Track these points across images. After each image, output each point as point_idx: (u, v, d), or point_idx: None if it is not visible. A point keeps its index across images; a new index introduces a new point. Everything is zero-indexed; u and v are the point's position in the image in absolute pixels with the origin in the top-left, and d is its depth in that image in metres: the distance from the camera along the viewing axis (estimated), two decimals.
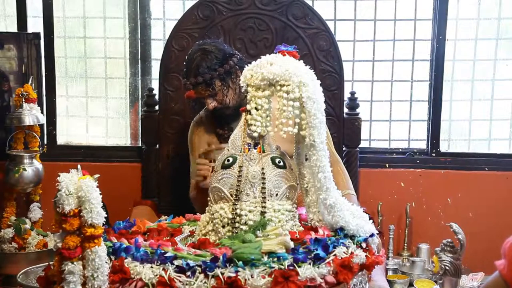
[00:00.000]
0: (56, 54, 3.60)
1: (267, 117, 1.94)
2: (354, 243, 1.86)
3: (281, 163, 2.01)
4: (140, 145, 3.60)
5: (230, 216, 1.94)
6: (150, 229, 2.15)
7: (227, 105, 2.67)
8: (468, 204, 3.48)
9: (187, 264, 1.68)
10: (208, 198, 2.03)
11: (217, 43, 2.72)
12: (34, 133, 3.21)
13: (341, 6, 3.54)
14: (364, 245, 1.87)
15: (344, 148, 3.30)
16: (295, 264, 1.69)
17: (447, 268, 2.62)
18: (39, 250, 3.09)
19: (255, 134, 1.97)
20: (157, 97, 3.32)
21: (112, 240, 1.90)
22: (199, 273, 1.66)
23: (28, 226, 3.13)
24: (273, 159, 2.00)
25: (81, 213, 1.63)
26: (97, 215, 1.63)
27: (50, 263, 1.77)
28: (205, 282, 1.64)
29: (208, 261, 1.68)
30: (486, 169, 3.49)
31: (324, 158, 1.89)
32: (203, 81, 2.63)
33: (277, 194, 1.97)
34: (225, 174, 1.99)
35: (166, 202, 3.31)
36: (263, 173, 1.96)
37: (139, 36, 3.62)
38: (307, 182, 1.99)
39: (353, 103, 3.33)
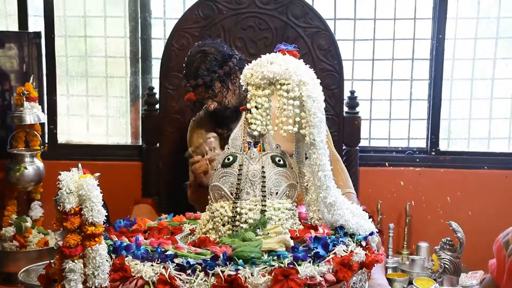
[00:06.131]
0: (57, 53, 3.60)
1: (267, 115, 1.95)
2: (354, 242, 1.87)
3: (281, 162, 2.01)
4: (140, 143, 3.60)
5: (230, 214, 1.94)
6: (150, 227, 2.15)
7: (227, 106, 2.68)
8: (468, 203, 3.48)
9: (188, 262, 1.68)
10: (209, 197, 2.04)
11: (216, 44, 2.73)
12: (35, 132, 3.22)
13: (341, 5, 3.54)
14: (363, 243, 1.88)
15: (344, 147, 3.31)
16: (295, 263, 1.70)
17: (446, 266, 2.64)
18: (40, 248, 3.10)
19: (255, 133, 1.98)
20: (157, 96, 3.33)
21: (113, 238, 1.91)
22: (200, 271, 1.67)
23: (29, 224, 3.14)
24: (273, 158, 2.01)
25: (82, 212, 1.63)
26: (97, 213, 1.64)
27: (51, 261, 1.77)
28: (205, 280, 1.65)
29: (209, 259, 1.69)
30: (486, 167, 3.50)
31: (324, 157, 1.90)
32: (203, 84, 2.64)
33: (277, 193, 1.98)
34: (225, 173, 2.00)
35: (166, 200, 3.32)
36: (263, 172, 1.97)
37: (139, 35, 3.62)
38: (307, 180, 2.00)
39: (353, 102, 3.34)
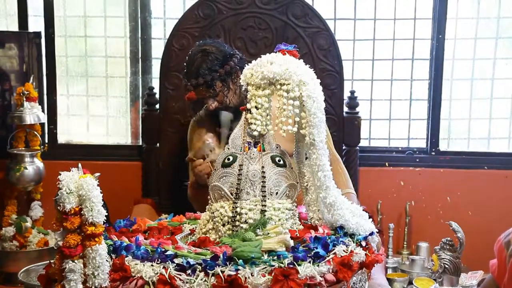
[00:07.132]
0: (57, 53, 3.60)
1: (267, 116, 1.95)
2: (353, 242, 1.86)
3: (281, 162, 2.01)
4: (140, 143, 3.61)
5: (231, 214, 1.94)
6: (150, 227, 2.15)
7: (228, 106, 2.68)
8: (468, 203, 3.48)
9: (188, 263, 1.68)
10: (209, 197, 2.04)
11: (217, 44, 2.73)
12: (35, 132, 3.23)
13: (341, 5, 3.54)
14: (363, 243, 1.88)
15: (344, 147, 3.31)
16: (295, 263, 1.70)
17: (446, 266, 2.63)
18: (40, 248, 3.11)
19: (255, 133, 1.98)
20: (157, 96, 3.33)
21: (113, 239, 1.91)
22: (200, 271, 1.67)
23: (29, 224, 3.15)
24: (273, 158, 2.01)
25: (82, 212, 1.63)
26: (97, 213, 1.63)
27: (51, 261, 1.77)
28: (205, 280, 1.65)
29: (209, 259, 1.69)
30: (486, 167, 3.50)
31: (323, 157, 1.90)
32: (204, 83, 2.64)
33: (277, 193, 1.98)
34: (225, 173, 2.00)
35: (166, 200, 3.32)
36: (263, 172, 1.97)
37: (139, 35, 3.63)
38: (307, 180, 2.00)
39: (353, 102, 3.34)
